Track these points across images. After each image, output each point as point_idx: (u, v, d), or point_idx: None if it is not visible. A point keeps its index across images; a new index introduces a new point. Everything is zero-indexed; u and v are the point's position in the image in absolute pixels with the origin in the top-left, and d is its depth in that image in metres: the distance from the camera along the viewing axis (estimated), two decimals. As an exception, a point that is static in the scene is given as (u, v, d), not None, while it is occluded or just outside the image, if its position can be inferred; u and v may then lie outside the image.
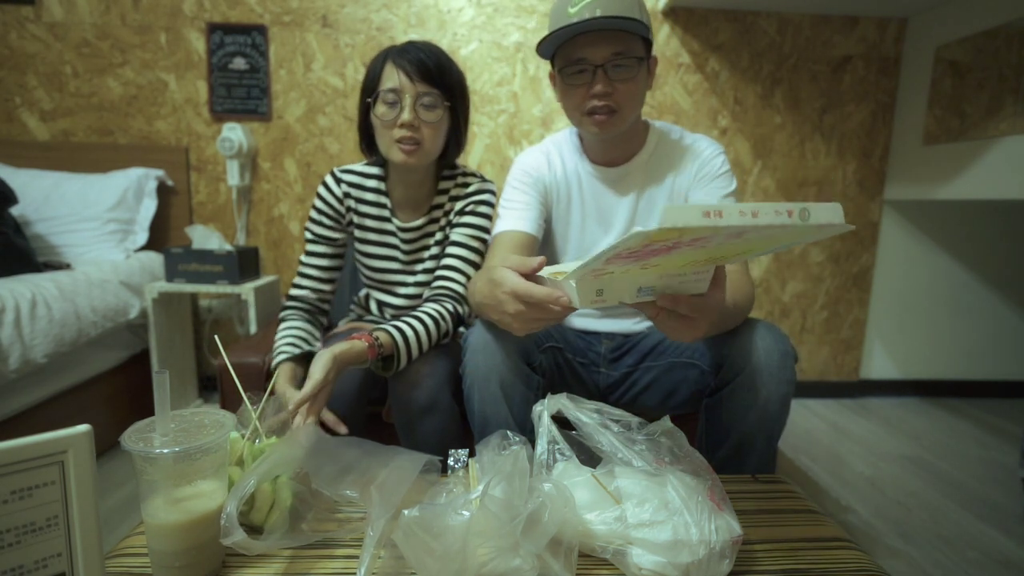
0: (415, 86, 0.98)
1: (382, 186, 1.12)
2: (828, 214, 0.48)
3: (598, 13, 0.89)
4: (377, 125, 1.02)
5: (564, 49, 0.95)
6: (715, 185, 1.03)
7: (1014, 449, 1.97)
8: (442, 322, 1.01)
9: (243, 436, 0.68)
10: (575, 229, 1.10)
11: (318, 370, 0.85)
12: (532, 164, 1.09)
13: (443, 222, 1.13)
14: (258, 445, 0.68)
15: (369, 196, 1.12)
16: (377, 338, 0.92)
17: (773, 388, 0.87)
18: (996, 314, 2.48)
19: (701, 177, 1.04)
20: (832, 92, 2.29)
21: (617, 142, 1.04)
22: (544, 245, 1.13)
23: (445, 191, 1.13)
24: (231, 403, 1.27)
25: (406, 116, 0.97)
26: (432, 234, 1.13)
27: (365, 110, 1.04)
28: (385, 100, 0.99)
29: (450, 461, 0.69)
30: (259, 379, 1.28)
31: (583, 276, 0.58)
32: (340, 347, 0.88)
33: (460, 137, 1.08)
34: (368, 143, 1.08)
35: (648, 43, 0.97)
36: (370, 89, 1.02)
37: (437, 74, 0.99)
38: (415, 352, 0.97)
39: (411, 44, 1.01)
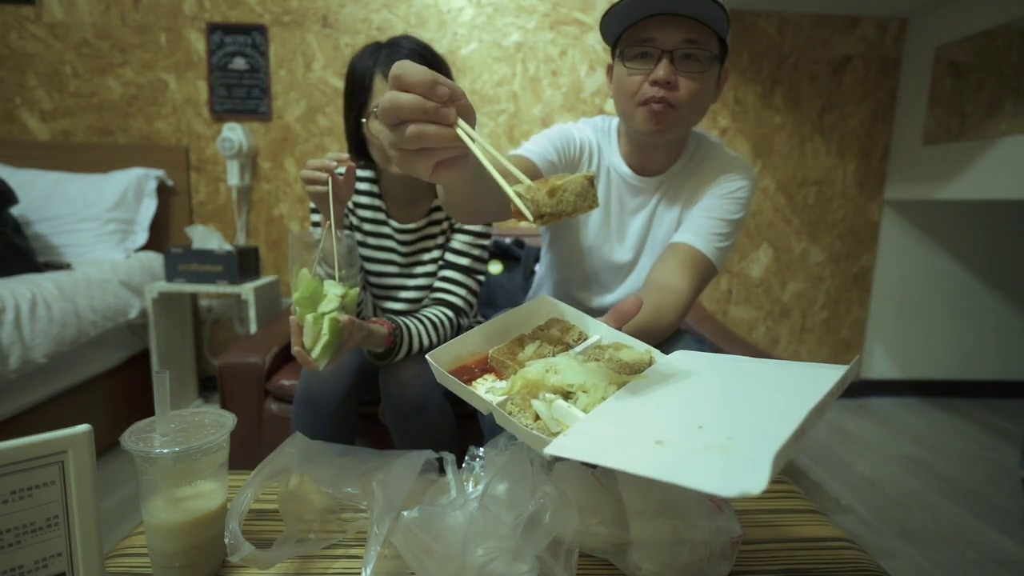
0: None
1: (375, 188, 1.11)
2: None
3: None
4: (371, 139, 0.99)
5: (631, 30, 0.85)
6: (718, 204, 0.93)
7: (1014, 449, 1.97)
8: (441, 328, 1.03)
9: (314, 275, 0.81)
10: (593, 228, 1.04)
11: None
12: (577, 137, 0.98)
13: (445, 224, 1.12)
14: (327, 286, 0.80)
15: (364, 200, 1.11)
16: (395, 327, 0.96)
17: None
18: (996, 314, 2.48)
19: (714, 193, 0.95)
20: (832, 92, 2.29)
21: (659, 149, 0.95)
22: (556, 239, 1.10)
23: None
24: (231, 403, 1.27)
25: None
26: (433, 236, 1.12)
27: (354, 119, 1.00)
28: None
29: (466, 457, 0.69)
30: (259, 379, 1.28)
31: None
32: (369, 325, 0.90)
33: None
34: (357, 149, 1.05)
35: (724, 47, 0.87)
36: (359, 102, 0.98)
37: None
38: (415, 347, 0.99)
39: (396, 52, 0.96)
